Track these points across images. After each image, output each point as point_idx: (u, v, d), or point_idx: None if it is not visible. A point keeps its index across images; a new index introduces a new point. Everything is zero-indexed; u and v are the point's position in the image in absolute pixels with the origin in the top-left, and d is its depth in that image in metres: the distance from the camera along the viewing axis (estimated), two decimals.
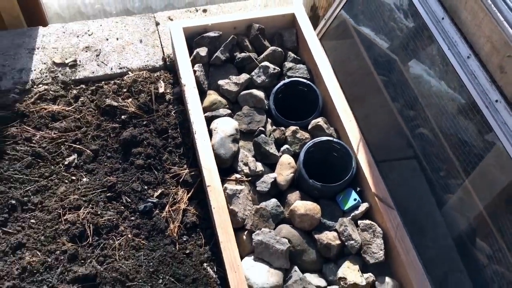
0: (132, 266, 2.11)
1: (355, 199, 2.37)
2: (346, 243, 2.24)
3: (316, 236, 2.29)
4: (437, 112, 2.66)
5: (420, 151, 2.78)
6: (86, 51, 3.08)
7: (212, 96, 2.71)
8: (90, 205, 2.29)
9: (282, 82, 2.74)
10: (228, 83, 2.75)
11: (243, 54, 2.85)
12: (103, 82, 2.91)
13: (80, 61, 3.02)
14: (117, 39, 3.18)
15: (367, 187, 2.39)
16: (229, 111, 2.66)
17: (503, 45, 1.99)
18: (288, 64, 2.86)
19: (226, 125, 2.55)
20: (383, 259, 2.21)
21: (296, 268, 2.20)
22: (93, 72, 2.98)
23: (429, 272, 2.20)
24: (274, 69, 2.81)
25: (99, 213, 2.27)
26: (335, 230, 2.31)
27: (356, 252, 2.25)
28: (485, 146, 2.32)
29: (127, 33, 3.21)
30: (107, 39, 3.17)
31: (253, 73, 2.80)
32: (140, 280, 2.07)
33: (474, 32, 2.15)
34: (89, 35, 3.18)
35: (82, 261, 2.11)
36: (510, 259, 2.27)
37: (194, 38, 2.87)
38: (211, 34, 2.84)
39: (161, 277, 2.11)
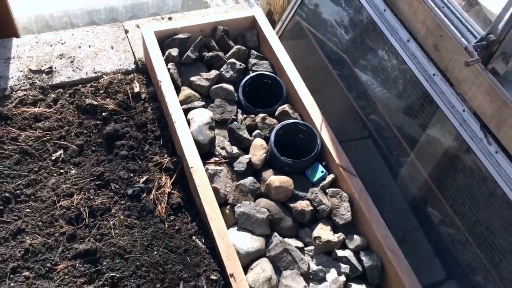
0: (128, 241, 2.30)
1: (322, 171, 2.68)
2: (318, 208, 2.53)
3: (291, 205, 2.57)
4: (385, 94, 3.05)
5: (373, 131, 3.15)
6: (61, 59, 3.26)
7: (187, 91, 2.97)
8: (82, 192, 2.47)
9: (248, 76, 3.04)
10: (200, 79, 3.02)
11: (211, 53, 3.14)
12: (80, 85, 3.10)
13: (55, 67, 3.20)
14: (89, 46, 3.38)
15: (331, 161, 2.70)
16: (203, 103, 2.93)
17: (436, 28, 2.39)
18: (252, 60, 3.17)
19: (202, 115, 2.81)
20: (351, 219, 2.52)
21: (275, 233, 2.47)
22: (69, 77, 3.16)
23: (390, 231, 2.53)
24: (240, 65, 3.11)
25: (91, 198, 2.45)
26: (307, 199, 2.60)
27: (327, 216, 2.55)
28: (426, 118, 2.70)
29: (98, 41, 3.42)
30: (79, 47, 3.36)
31: (222, 69, 3.09)
32: (137, 252, 2.27)
33: (411, 19, 2.54)
34: (62, 43, 3.37)
35: (81, 240, 2.28)
36: (454, 218, 2.64)
37: (164, 40, 3.12)
38: (181, 36, 3.11)
39: (156, 249, 2.32)
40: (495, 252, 2.35)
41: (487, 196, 2.33)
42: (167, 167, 2.74)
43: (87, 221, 2.36)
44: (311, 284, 2.35)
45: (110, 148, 2.76)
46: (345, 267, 2.40)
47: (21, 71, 3.14)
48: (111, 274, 2.15)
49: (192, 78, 3.02)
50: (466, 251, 2.56)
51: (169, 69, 2.97)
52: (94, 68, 3.24)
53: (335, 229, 2.54)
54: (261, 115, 2.90)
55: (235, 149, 2.75)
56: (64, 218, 2.35)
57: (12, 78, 3.09)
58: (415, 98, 2.71)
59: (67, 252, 2.23)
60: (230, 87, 3.01)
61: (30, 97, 2.98)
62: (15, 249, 2.21)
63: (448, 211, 2.68)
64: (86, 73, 3.20)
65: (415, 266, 2.37)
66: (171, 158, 2.79)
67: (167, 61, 3.03)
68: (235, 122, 2.84)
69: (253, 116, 2.92)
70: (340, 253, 2.45)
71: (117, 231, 2.36)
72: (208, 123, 2.78)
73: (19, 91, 3.02)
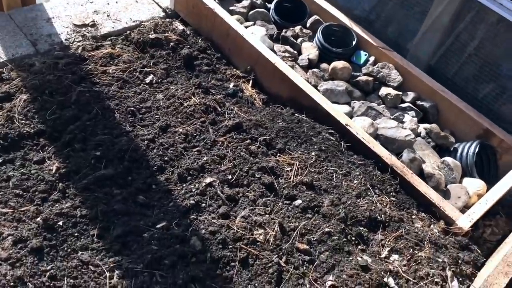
0: (258, 117, 2.72)
1: (365, 55, 3.36)
2: (378, 76, 3.20)
3: (358, 79, 3.20)
4: None
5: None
6: (97, 14, 3.48)
7: (235, 16, 3.43)
8: (196, 95, 2.81)
9: (274, 1, 3.60)
10: (238, 8, 3.51)
11: None
12: (128, 31, 3.36)
13: (96, 21, 3.41)
14: (116, 2, 3.64)
15: (369, 46, 3.39)
16: (252, 22, 3.42)
17: None
18: None
19: (258, 29, 3.31)
20: (402, 80, 3.23)
21: (354, 100, 3.08)
22: (113, 28, 3.40)
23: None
24: None
25: (204, 97, 2.81)
26: (364, 74, 3.25)
27: (384, 82, 3.22)
28: None
29: None
30: (108, 4, 3.60)
31: None
32: (269, 123, 2.70)
33: None
34: (91, 2, 3.57)
35: (221, 122, 2.64)
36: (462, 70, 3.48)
37: None
38: None
39: (279, 121, 2.76)
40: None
41: (494, 36, 3.21)
42: (242, 76, 3.18)
43: (218, 110, 2.72)
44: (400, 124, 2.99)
45: (191, 67, 3.11)
46: (411, 113, 3.10)
47: (67, 27, 3.30)
48: (262, 138, 2.56)
49: (231, 8, 3.50)
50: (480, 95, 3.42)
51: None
52: (131, 18, 3.51)
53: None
54: (298, 27, 3.49)
55: (294, 51, 3.30)
56: (197, 112, 2.68)
57: (62, 33, 3.24)
58: None
59: (217, 131, 2.58)
60: (265, 10, 3.54)
61: (88, 45, 3.18)
62: (174, 137, 2.50)
63: (460, 68, 3.52)
64: (126, 23, 3.47)
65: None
66: (239, 70, 3.23)
67: None
68: (284, 34, 3.38)
69: (292, 28, 3.49)
70: (403, 105, 3.14)
71: (244, 114, 2.75)
72: (266, 34, 3.29)
73: (75, 43, 3.19)
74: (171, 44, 3.21)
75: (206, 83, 2.98)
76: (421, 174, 2.73)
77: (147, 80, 2.95)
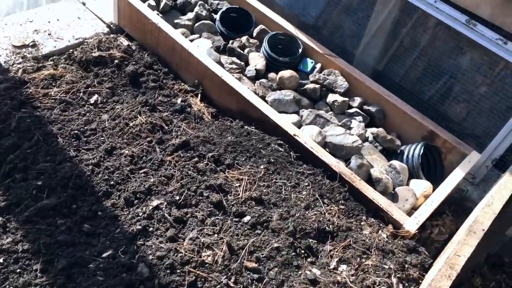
0: (206, 133, 2.71)
1: (312, 62, 3.40)
2: (324, 83, 3.24)
3: (302, 88, 3.23)
4: None
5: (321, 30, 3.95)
6: (38, 33, 3.39)
7: (179, 29, 3.41)
8: (142, 114, 2.78)
9: (221, 11, 3.60)
10: (182, 20, 3.49)
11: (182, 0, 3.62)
12: (71, 50, 3.29)
13: (37, 41, 3.32)
14: (58, 20, 3.55)
15: (314, 53, 3.43)
16: (197, 35, 3.40)
17: None
18: (215, 2, 3.73)
19: (204, 42, 3.30)
20: (348, 86, 3.28)
21: (303, 109, 3.11)
22: (55, 47, 3.32)
23: None
24: (208, 5, 3.65)
25: (152, 116, 2.78)
26: (312, 82, 3.29)
27: (331, 89, 3.27)
28: None
29: (63, 15, 3.60)
30: (49, 22, 3.51)
31: (196, 10, 3.59)
32: (217, 138, 2.69)
33: None
34: (31, 21, 3.47)
35: (168, 140, 2.62)
36: (408, 73, 3.58)
37: None
38: None
39: (228, 136, 2.76)
40: (455, 84, 3.35)
41: (433, 39, 3.31)
42: (190, 90, 3.16)
43: (164, 128, 2.70)
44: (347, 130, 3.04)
45: (137, 84, 3.07)
46: (358, 118, 3.16)
47: (6, 49, 3.21)
48: (211, 154, 2.56)
49: (176, 21, 3.47)
50: (427, 96, 3.52)
51: (157, 14, 3.37)
52: (73, 36, 3.44)
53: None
54: (244, 37, 3.49)
55: (241, 62, 3.30)
56: (143, 132, 2.65)
57: (1, 56, 3.14)
58: None
59: (165, 150, 2.55)
60: (210, 22, 3.53)
61: (29, 67, 3.09)
62: (120, 160, 2.46)
63: (406, 71, 3.61)
64: (69, 41, 3.39)
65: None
66: (187, 84, 3.21)
67: None
68: (230, 45, 3.38)
69: (239, 39, 3.49)
70: (350, 110, 3.20)
71: (190, 129, 2.74)
72: (212, 47, 3.28)
73: (15, 65, 3.10)
74: (116, 61, 3.16)
75: (153, 100, 2.95)
76: (370, 179, 2.79)
77: (92, 100, 2.89)
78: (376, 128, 3.15)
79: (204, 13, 3.58)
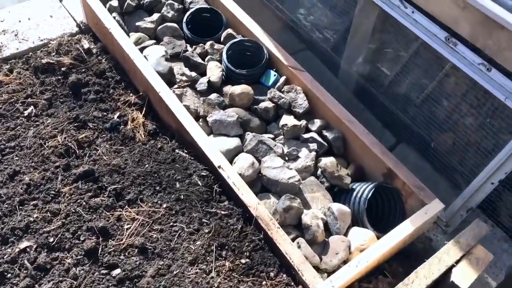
0: (120, 161, 2.52)
1: (274, 75, 3.02)
2: (279, 103, 2.87)
3: (255, 106, 2.88)
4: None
5: (309, 40, 3.52)
6: (5, 34, 3.35)
7: (136, 35, 3.19)
8: (64, 132, 2.65)
9: (189, 12, 3.30)
10: (145, 23, 3.25)
11: None
12: (30, 53, 3.21)
13: (1, 42, 3.29)
14: (29, 19, 3.49)
15: (280, 64, 3.04)
16: (154, 41, 3.16)
17: None
18: (188, 0, 3.43)
19: (156, 50, 3.05)
20: (308, 106, 2.87)
21: (248, 132, 2.77)
22: (17, 49, 3.26)
23: None
24: (178, 5, 3.36)
25: (74, 135, 2.63)
26: (268, 99, 2.92)
27: (288, 108, 2.88)
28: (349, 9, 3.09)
29: (35, 13, 3.53)
30: (19, 21, 3.46)
31: (162, 11, 3.33)
32: (131, 167, 2.49)
33: None
34: (1, 21, 3.45)
35: (76, 167, 2.47)
36: (395, 90, 3.06)
37: None
38: None
39: (146, 163, 2.55)
40: (429, 102, 2.80)
41: (414, 54, 2.76)
42: (135, 103, 2.95)
43: (77, 152, 2.55)
44: (287, 163, 2.68)
45: (78, 96, 2.93)
46: (313, 145, 2.76)
47: None
48: (113, 187, 2.37)
49: (138, 23, 3.24)
50: (408, 116, 3.00)
51: (114, 17, 3.16)
52: (39, 37, 3.36)
53: (297, 119, 2.88)
54: (209, 42, 3.18)
55: (194, 74, 3.02)
56: (55, 154, 2.52)
57: None
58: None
59: (66, 179, 2.41)
60: (174, 25, 3.26)
61: None
62: (16, 187, 2.37)
63: (388, 86, 3.11)
64: (33, 42, 3.32)
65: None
66: (136, 95, 3.00)
67: (109, 12, 3.22)
68: (188, 52, 3.10)
69: (202, 44, 3.19)
70: (306, 135, 2.80)
71: (107, 156, 2.56)
72: (163, 55, 3.03)
73: None
74: (63, 68, 3.04)
75: (85, 116, 2.80)
76: (300, 224, 2.44)
77: (26, 112, 2.82)
78: (333, 157, 2.74)
79: (170, 14, 3.32)
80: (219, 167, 2.49)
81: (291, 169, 2.58)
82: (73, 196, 2.32)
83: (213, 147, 2.58)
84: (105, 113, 2.85)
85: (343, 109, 2.80)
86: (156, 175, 2.48)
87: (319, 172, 2.68)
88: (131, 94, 3.01)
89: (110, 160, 2.52)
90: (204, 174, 2.53)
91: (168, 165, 2.57)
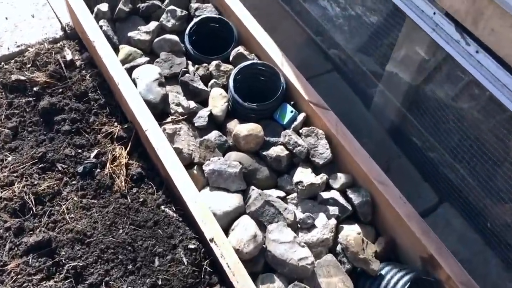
0: (87, 224, 2.00)
1: (291, 111, 2.43)
2: (294, 151, 2.29)
3: (265, 153, 2.31)
4: (343, 20, 2.78)
5: (338, 62, 2.90)
6: None
7: (126, 48, 2.62)
8: (24, 179, 2.13)
9: (193, 22, 2.70)
10: (139, 33, 2.67)
11: (146, 3, 2.78)
12: (3, 63, 2.68)
13: None
14: (6, 18, 2.95)
15: (300, 98, 2.45)
16: (147, 59, 2.59)
17: None
18: (194, 5, 2.83)
19: (148, 72, 2.48)
20: (331, 157, 2.29)
21: (253, 187, 2.21)
22: None
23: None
24: (182, 11, 2.77)
25: (36, 183, 2.12)
26: (281, 144, 2.35)
27: (305, 158, 2.31)
28: (393, 33, 2.46)
29: (15, 11, 2.99)
30: None
31: (161, 19, 2.74)
32: (99, 235, 1.97)
33: None
34: None
35: (30, 232, 1.96)
36: (440, 137, 2.45)
37: None
38: None
39: (120, 227, 2.02)
40: (487, 163, 2.19)
41: (472, 102, 2.14)
42: (120, 136, 2.42)
43: (34, 209, 2.03)
44: (300, 233, 2.12)
45: (49, 125, 2.41)
46: (333, 209, 2.19)
47: None
48: (73, 264, 1.85)
49: (130, 34, 2.66)
50: (455, 172, 2.40)
51: (101, 27, 2.60)
52: (16, 42, 2.83)
53: (316, 171, 2.31)
54: (214, 62, 2.59)
55: (192, 104, 2.45)
56: (6, 211, 2.02)
57: None
58: (379, 13, 2.46)
59: (16, 248, 1.91)
60: (174, 37, 2.67)
61: None
62: None
63: (431, 131, 2.49)
64: (8, 49, 2.79)
65: (404, 194, 2.17)
66: (122, 126, 2.46)
67: (97, 18, 2.66)
68: (187, 74, 2.53)
69: (206, 65, 2.61)
70: (325, 195, 2.23)
71: (72, 215, 2.04)
72: (157, 79, 2.46)
73: None
74: (36, 88, 2.51)
75: (55, 153, 2.27)
76: None
77: None
78: (358, 224, 2.18)
79: (171, 23, 2.73)
80: (212, 240, 1.95)
81: (303, 246, 2.02)
82: (19, 276, 1.81)
83: (205, 211, 2.03)
84: (79, 150, 2.32)
85: (374, 165, 2.21)
86: (130, 247, 1.95)
87: (339, 247, 2.12)
88: (115, 124, 2.47)
89: (75, 222, 1.99)
90: (193, 246, 2.00)
91: (148, 230, 2.04)
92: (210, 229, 1.98)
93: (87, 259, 1.89)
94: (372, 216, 2.22)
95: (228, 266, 1.89)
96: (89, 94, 2.56)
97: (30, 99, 2.48)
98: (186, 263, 1.93)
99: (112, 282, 1.85)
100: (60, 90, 2.54)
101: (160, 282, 1.86)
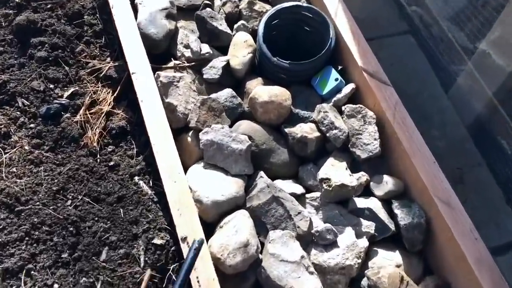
0: (27, 185, 1.48)
1: (336, 79, 1.76)
2: (327, 134, 1.63)
3: (287, 130, 1.67)
4: None
5: (418, 22, 2.16)
6: None
7: None
8: None
9: None
10: None
11: None
12: None
13: None
14: None
15: (351, 63, 1.77)
16: None
17: None
18: None
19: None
20: (379, 151, 1.62)
21: (262, 173, 1.59)
22: None
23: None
24: None
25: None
26: (312, 121, 1.70)
27: (342, 145, 1.65)
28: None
29: None
30: None
31: None
32: (38, 203, 1.44)
33: None
34: None
35: None
36: None
37: None
38: None
39: (70, 197, 1.49)
40: None
41: None
42: (108, 75, 1.86)
43: None
44: (313, 251, 1.50)
45: (24, 47, 1.88)
46: (368, 225, 1.53)
47: None
48: None
49: None
50: None
51: None
52: None
53: (355, 166, 1.65)
54: None
55: (206, 48, 1.83)
56: None
57: None
58: None
59: None
60: None
61: None
62: None
63: None
64: None
65: (478, 220, 1.48)
66: (115, 62, 1.90)
67: None
68: (208, 9, 1.90)
69: (236, 0, 1.97)
70: (360, 203, 1.57)
71: (13, 168, 1.52)
72: (166, 8, 1.85)
73: None
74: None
75: (20, 84, 1.76)
76: None
77: None
78: (400, 252, 1.53)
79: None
80: (184, 239, 1.37)
81: (312, 272, 1.40)
82: None
83: (185, 197, 1.44)
84: (52, 86, 1.79)
85: (439, 175, 1.52)
86: (74, 228, 1.41)
87: (364, 282, 1.47)
88: (107, 59, 1.91)
89: (13, 179, 1.48)
90: (159, 242, 1.44)
91: (107, 207, 1.49)
92: (186, 223, 1.40)
93: (10, 233, 1.37)
94: (422, 245, 1.54)
95: (198, 282, 1.31)
96: (85, 17, 2.01)
97: (10, 11, 1.96)
98: (143, 264, 1.37)
99: (35, 272, 1.33)
100: (49, 5, 2.00)
101: (98, 286, 1.31)
